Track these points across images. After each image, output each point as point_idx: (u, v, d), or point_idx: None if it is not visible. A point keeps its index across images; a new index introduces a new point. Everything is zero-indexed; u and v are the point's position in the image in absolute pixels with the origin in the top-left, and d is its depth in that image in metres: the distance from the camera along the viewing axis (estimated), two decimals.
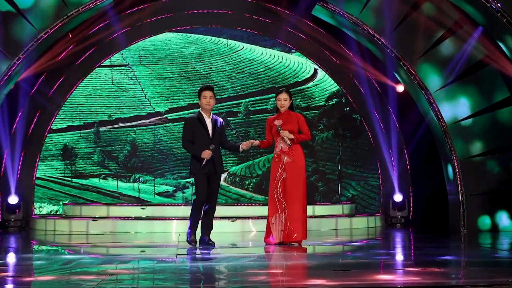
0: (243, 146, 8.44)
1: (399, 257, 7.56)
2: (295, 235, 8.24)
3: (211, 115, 8.35)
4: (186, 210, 11.51)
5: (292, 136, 8.31)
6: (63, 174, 13.32)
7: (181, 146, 8.54)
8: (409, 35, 11.39)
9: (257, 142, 8.58)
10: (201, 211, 8.29)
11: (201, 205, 8.26)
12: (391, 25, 11.47)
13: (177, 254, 7.42)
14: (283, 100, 8.40)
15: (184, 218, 11.22)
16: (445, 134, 11.44)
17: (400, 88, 12.56)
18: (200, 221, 8.39)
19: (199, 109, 8.36)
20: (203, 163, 8.13)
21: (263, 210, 11.78)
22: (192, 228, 8.31)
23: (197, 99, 8.47)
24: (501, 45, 10.26)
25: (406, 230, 12.03)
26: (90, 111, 13.48)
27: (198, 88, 8.43)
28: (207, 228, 8.39)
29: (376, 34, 11.52)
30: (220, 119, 8.49)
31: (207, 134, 8.26)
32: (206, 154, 8.15)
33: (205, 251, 7.79)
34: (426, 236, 10.70)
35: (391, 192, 13.17)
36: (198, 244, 8.22)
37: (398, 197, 13.01)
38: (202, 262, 7.03)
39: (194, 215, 8.31)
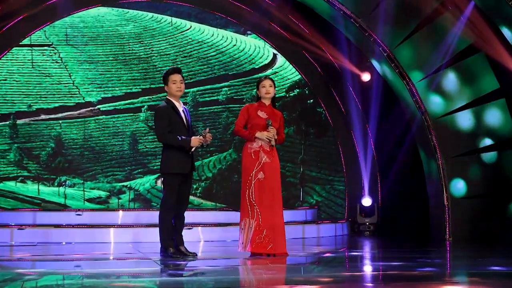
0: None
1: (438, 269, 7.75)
2: (270, 245, 8.27)
3: (181, 103, 8.35)
4: (131, 216, 11.70)
5: (277, 137, 8.45)
6: None
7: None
8: (391, 17, 11.77)
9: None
10: (171, 219, 8.20)
11: (172, 213, 8.18)
12: (369, 6, 11.85)
13: (161, 269, 7.38)
14: (268, 86, 8.49)
15: (130, 226, 11.24)
16: (429, 130, 11.90)
17: (366, 76, 12.99)
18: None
19: (166, 97, 8.32)
20: (192, 150, 8.12)
21: (215, 216, 12.02)
22: (166, 243, 8.13)
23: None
24: (502, 29, 10.78)
25: (381, 238, 12.34)
26: (5, 100, 13.13)
27: (164, 72, 8.39)
28: (181, 235, 8.30)
29: (353, 15, 11.86)
30: (188, 110, 8.49)
31: (183, 124, 8.22)
32: (197, 142, 8.11)
33: (190, 264, 7.72)
34: (414, 245, 10.94)
35: (359, 195, 13.54)
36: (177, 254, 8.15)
37: (366, 201, 13.39)
38: (206, 276, 7.01)
39: (165, 227, 8.15)
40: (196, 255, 8.22)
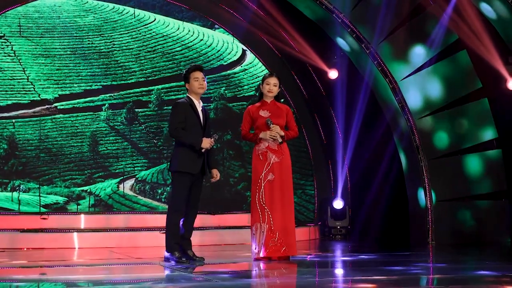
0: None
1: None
2: (283, 248, 8.83)
3: (201, 102, 8.83)
4: (102, 219, 12.14)
5: (283, 133, 8.96)
6: None
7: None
8: (374, 12, 12.55)
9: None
10: (179, 222, 8.61)
11: (180, 215, 8.59)
12: (352, 0, 12.66)
13: (166, 275, 7.67)
14: (273, 85, 9.04)
15: (103, 230, 11.63)
16: (412, 130, 12.82)
17: (333, 74, 13.79)
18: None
19: (186, 94, 8.84)
20: (203, 151, 8.58)
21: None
22: (172, 247, 8.53)
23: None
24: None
25: (354, 242, 13.01)
26: None
27: (185, 70, 8.86)
28: (189, 240, 8.74)
29: (336, 9, 12.62)
30: (207, 111, 8.96)
31: (199, 124, 8.67)
32: (208, 143, 8.58)
33: (202, 269, 8.04)
34: (398, 249, 11.46)
35: (330, 198, 14.31)
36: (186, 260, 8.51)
37: (338, 204, 14.15)
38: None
39: (172, 230, 8.56)
40: (204, 259, 8.62)
